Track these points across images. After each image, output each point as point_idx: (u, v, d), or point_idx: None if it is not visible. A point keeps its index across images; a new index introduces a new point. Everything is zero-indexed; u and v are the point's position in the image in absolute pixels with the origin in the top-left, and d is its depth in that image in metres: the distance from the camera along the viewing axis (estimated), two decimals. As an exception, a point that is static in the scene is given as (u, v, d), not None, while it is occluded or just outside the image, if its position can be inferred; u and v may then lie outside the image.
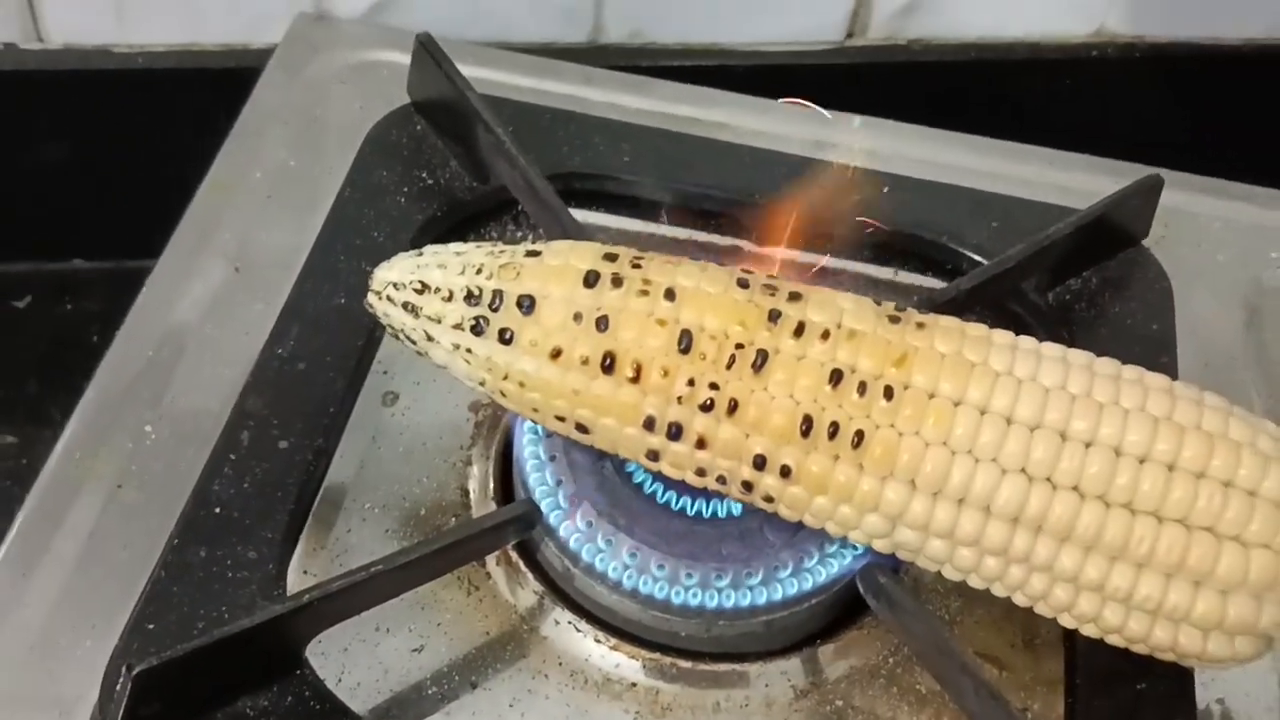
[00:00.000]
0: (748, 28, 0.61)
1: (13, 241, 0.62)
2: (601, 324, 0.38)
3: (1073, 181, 0.54)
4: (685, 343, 0.37)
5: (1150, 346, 0.48)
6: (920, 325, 0.38)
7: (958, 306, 0.45)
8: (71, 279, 0.63)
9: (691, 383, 0.37)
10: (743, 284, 0.39)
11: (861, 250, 0.51)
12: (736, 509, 0.41)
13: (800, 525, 0.39)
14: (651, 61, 0.60)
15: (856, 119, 0.56)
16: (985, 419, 0.36)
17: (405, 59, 0.51)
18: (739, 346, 0.37)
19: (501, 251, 0.40)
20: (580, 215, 0.50)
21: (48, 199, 0.61)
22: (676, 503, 0.41)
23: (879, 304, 0.39)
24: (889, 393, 0.37)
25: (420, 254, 0.40)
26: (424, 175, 0.50)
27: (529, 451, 0.42)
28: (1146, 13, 0.62)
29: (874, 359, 0.37)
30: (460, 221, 0.50)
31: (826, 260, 0.51)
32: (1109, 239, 0.50)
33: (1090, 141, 0.56)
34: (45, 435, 0.45)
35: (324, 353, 0.45)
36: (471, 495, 0.44)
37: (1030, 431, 0.36)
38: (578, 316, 0.38)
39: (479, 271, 0.39)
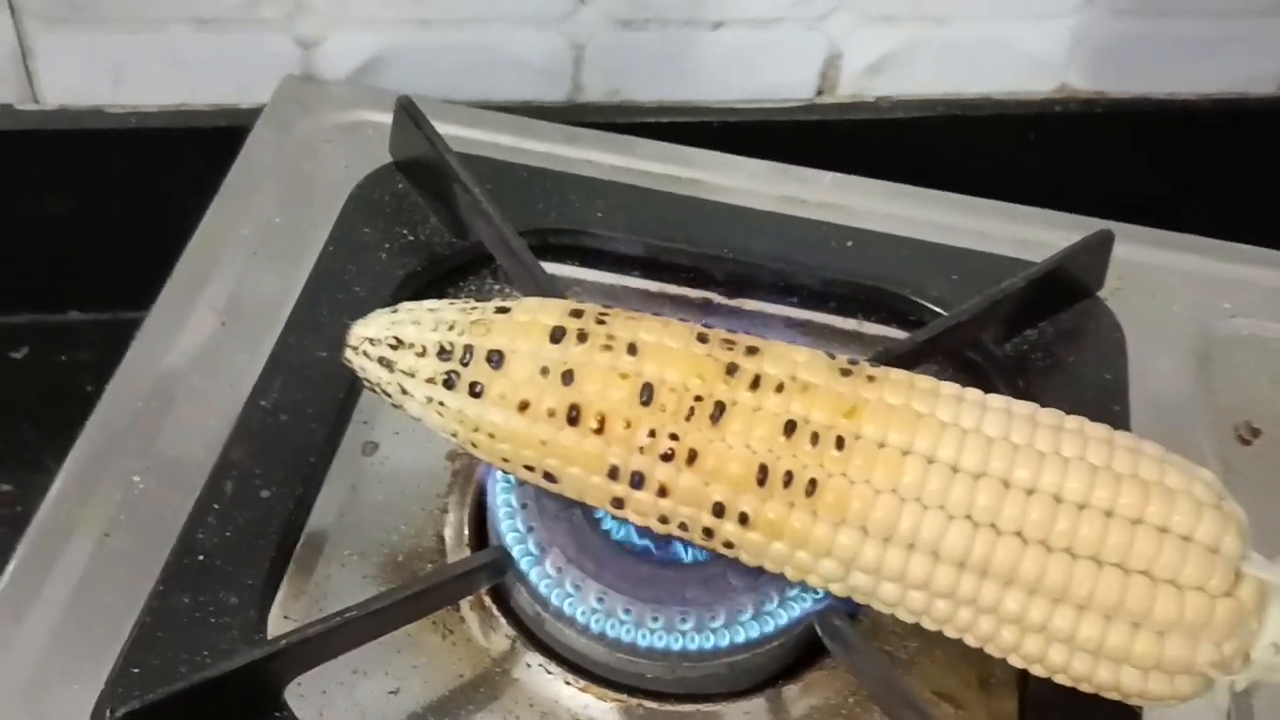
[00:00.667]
0: (722, 86, 0.63)
1: (11, 294, 0.63)
2: (567, 378, 0.40)
3: (1032, 235, 0.55)
4: (647, 395, 0.39)
5: (1103, 395, 0.50)
6: (871, 378, 0.40)
7: (915, 357, 0.47)
8: (68, 330, 0.64)
9: (653, 433, 0.39)
10: (702, 339, 0.40)
11: (827, 302, 0.53)
12: (700, 554, 0.43)
13: (761, 570, 0.41)
14: (629, 119, 0.62)
15: (827, 176, 0.58)
16: (932, 468, 0.38)
17: (389, 119, 0.54)
18: (698, 399, 0.39)
19: (473, 308, 0.42)
20: (556, 269, 0.52)
21: (45, 253, 0.63)
22: (642, 549, 0.43)
23: (832, 357, 0.41)
24: (840, 442, 0.38)
25: (395, 310, 0.42)
26: (405, 232, 0.52)
27: (501, 499, 0.44)
28: (1106, 70, 0.65)
29: (826, 410, 0.39)
30: (440, 276, 0.52)
31: (793, 311, 0.53)
32: (1063, 291, 0.52)
33: (1053, 195, 0.58)
34: (40, 483, 0.46)
35: (306, 404, 0.47)
36: (447, 542, 0.46)
37: (975, 479, 0.38)
38: (544, 370, 0.40)
39: (451, 328, 0.41)
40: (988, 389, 0.41)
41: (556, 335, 0.40)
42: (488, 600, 0.44)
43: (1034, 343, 0.51)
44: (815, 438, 0.39)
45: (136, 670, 0.40)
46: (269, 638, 0.41)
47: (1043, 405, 0.41)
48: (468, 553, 0.45)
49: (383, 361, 0.41)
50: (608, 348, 0.40)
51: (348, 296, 0.50)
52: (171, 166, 0.60)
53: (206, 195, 0.55)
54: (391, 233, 0.52)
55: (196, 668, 0.39)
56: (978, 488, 0.38)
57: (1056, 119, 0.65)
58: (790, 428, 0.39)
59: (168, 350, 0.49)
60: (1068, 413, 0.40)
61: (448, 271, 0.52)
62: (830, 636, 0.41)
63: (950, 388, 0.40)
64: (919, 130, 0.65)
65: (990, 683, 0.44)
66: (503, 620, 0.44)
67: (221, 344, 0.50)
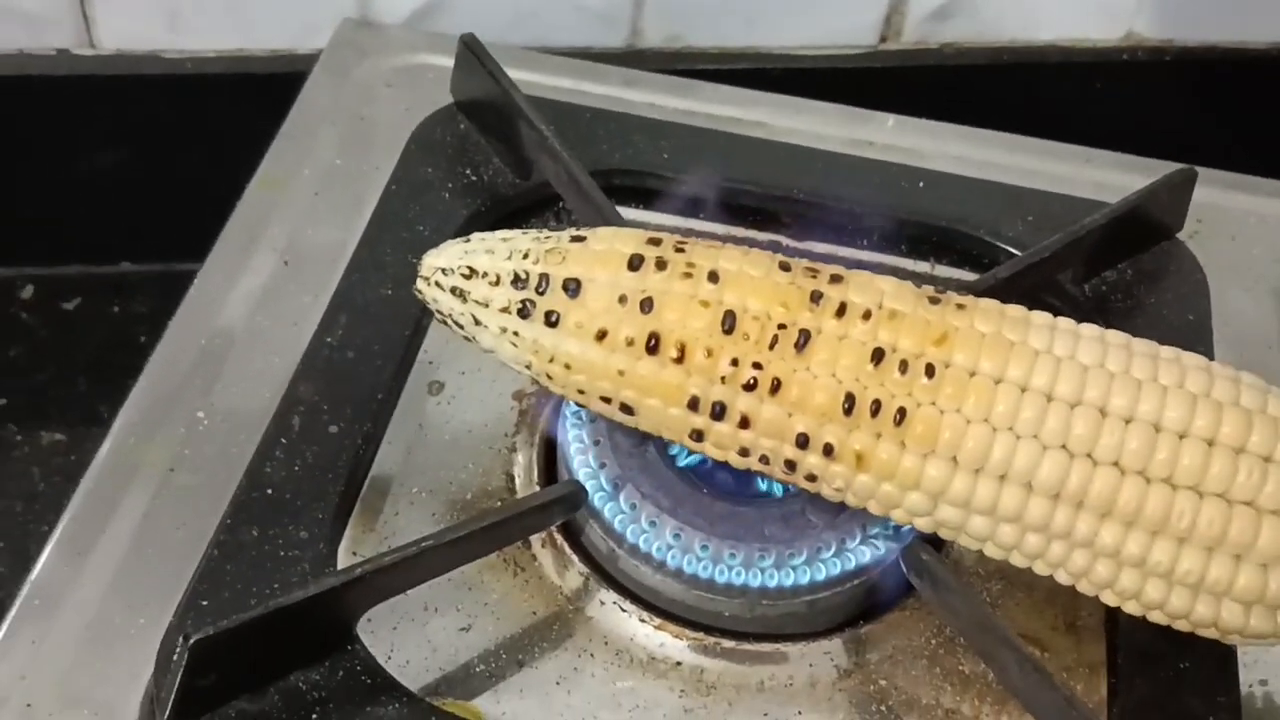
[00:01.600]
0: (784, 32, 0.62)
1: (63, 245, 0.63)
2: (646, 306, 0.39)
3: (1107, 178, 0.54)
4: (729, 323, 0.38)
5: (1186, 337, 0.48)
6: (960, 306, 0.39)
7: (993, 296, 0.46)
8: (120, 282, 0.64)
9: (735, 363, 0.38)
10: (784, 267, 0.39)
11: (899, 244, 0.52)
12: (779, 491, 0.42)
13: (843, 506, 0.40)
14: (689, 65, 0.61)
15: (891, 118, 0.57)
16: (1025, 396, 0.37)
17: (448, 62, 0.53)
18: (781, 327, 0.38)
19: (547, 237, 0.41)
20: (620, 212, 0.51)
21: (97, 202, 0.62)
22: (719, 485, 0.42)
23: (919, 286, 0.39)
24: (930, 370, 0.37)
25: (468, 240, 0.41)
26: (468, 172, 0.51)
27: (573, 435, 0.43)
28: (1175, 17, 0.63)
29: (915, 338, 0.38)
30: (503, 216, 0.51)
31: (864, 254, 0.52)
32: (1143, 232, 0.50)
33: (1121, 144, 0.57)
34: (94, 433, 0.45)
35: (372, 341, 0.46)
36: (516, 481, 0.45)
37: (1070, 408, 0.37)
38: (623, 299, 0.39)
39: (525, 256, 0.40)
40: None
41: (635, 263, 0.39)
42: (559, 538, 0.43)
43: (1113, 284, 0.50)
44: (904, 366, 0.37)
45: (205, 603, 0.39)
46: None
47: (1125, 346, 0.39)
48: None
49: (455, 291, 0.40)
50: (688, 275, 0.39)
51: (411, 235, 0.49)
52: (228, 113, 0.60)
53: (263, 143, 0.54)
54: (454, 173, 0.51)
55: (267, 600, 0.38)
56: (1073, 416, 0.37)
57: (1124, 67, 0.64)
58: (878, 356, 0.38)
59: (230, 289, 0.48)
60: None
61: (512, 212, 0.51)
62: (917, 573, 0.40)
63: (1042, 316, 0.39)
64: (984, 78, 0.63)
65: (1076, 625, 0.42)
66: (575, 558, 0.43)
67: (283, 284, 0.49)
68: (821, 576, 0.41)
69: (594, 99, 0.55)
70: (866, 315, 0.38)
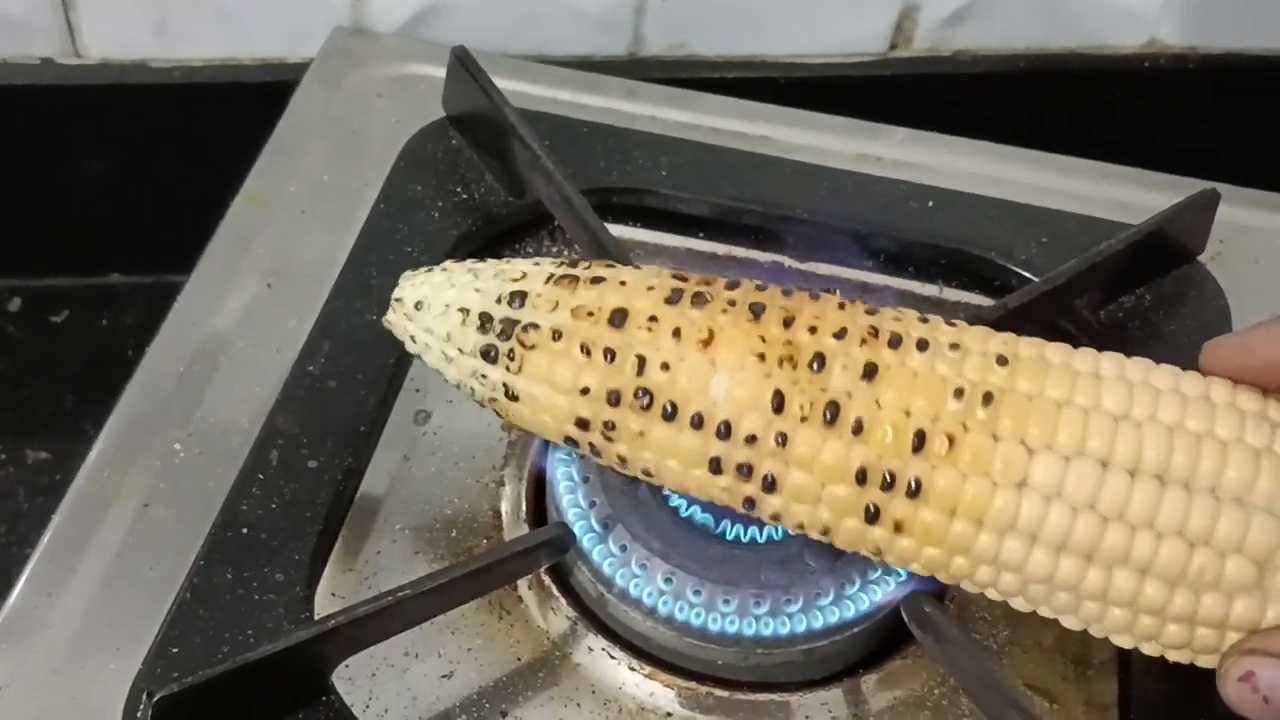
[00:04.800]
0: (790, 39, 0.60)
1: (50, 256, 0.62)
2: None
3: (1124, 196, 0.52)
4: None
5: (1207, 367, 0.46)
6: (1002, 360, 0.36)
7: (1006, 325, 0.44)
8: (109, 293, 0.62)
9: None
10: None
11: (906, 266, 0.50)
12: (776, 534, 0.40)
13: (841, 551, 0.38)
14: (692, 74, 0.59)
15: (900, 131, 0.55)
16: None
17: (443, 73, 0.51)
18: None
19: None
20: (618, 230, 0.49)
21: (85, 213, 0.61)
22: (714, 527, 0.40)
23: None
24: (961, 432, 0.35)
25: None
26: (459, 190, 0.50)
27: (561, 472, 0.41)
28: (1199, 24, 0.61)
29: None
30: (495, 236, 0.49)
31: (869, 276, 0.50)
32: (1163, 255, 0.48)
33: (1142, 154, 0.55)
34: (80, 450, 0.44)
35: (355, 370, 0.44)
36: (504, 517, 0.43)
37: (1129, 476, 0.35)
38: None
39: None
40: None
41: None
42: (547, 579, 0.41)
43: (1130, 310, 0.48)
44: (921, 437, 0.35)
45: (176, 650, 0.37)
46: (316, 617, 0.38)
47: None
48: (525, 528, 0.43)
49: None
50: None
51: (399, 257, 0.47)
52: (217, 123, 0.58)
53: (253, 153, 0.52)
54: (445, 190, 0.49)
55: (239, 648, 0.37)
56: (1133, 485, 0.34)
57: (1146, 75, 0.62)
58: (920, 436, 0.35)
59: (212, 313, 0.47)
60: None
61: (504, 231, 0.50)
62: (919, 624, 0.38)
63: (1085, 359, 0.36)
64: (999, 86, 0.61)
65: (1087, 673, 0.41)
66: (563, 600, 0.41)
67: (267, 307, 0.47)
68: (819, 624, 0.39)
69: (593, 111, 0.54)
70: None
